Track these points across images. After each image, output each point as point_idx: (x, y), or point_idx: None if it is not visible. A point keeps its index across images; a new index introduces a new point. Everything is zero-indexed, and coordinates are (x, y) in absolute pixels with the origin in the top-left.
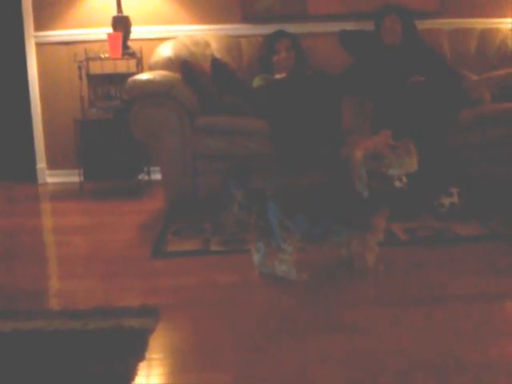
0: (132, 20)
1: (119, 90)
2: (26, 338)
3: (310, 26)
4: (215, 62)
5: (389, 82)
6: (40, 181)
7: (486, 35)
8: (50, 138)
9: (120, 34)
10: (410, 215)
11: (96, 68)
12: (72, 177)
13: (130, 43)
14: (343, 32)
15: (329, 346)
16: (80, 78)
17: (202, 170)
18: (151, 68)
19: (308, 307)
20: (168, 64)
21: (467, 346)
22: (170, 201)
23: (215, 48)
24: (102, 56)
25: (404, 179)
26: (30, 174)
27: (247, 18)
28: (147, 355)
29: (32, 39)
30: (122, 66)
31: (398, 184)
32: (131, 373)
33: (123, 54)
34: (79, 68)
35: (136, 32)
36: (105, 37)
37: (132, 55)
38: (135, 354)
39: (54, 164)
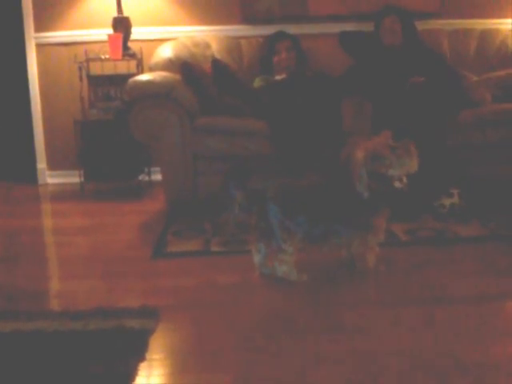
0: (132, 21)
1: (119, 90)
2: (26, 339)
3: (310, 26)
4: (215, 62)
5: (389, 82)
6: (40, 181)
7: (485, 36)
8: (50, 139)
9: (120, 35)
10: (411, 216)
11: (96, 69)
12: (72, 177)
13: (130, 44)
14: (343, 33)
15: (329, 347)
16: (80, 78)
17: (202, 171)
18: (151, 69)
19: (308, 308)
20: (168, 65)
21: (468, 347)
22: (171, 201)
23: (215, 49)
24: (103, 57)
25: (404, 180)
26: (31, 175)
27: (247, 19)
28: (148, 356)
29: (32, 40)
30: (123, 67)
31: (398, 185)
32: (132, 373)
33: (123, 55)
34: (79, 69)
35: (136, 33)
36: (105, 38)
37: (132, 56)
38: (136, 354)
39: (54, 165)
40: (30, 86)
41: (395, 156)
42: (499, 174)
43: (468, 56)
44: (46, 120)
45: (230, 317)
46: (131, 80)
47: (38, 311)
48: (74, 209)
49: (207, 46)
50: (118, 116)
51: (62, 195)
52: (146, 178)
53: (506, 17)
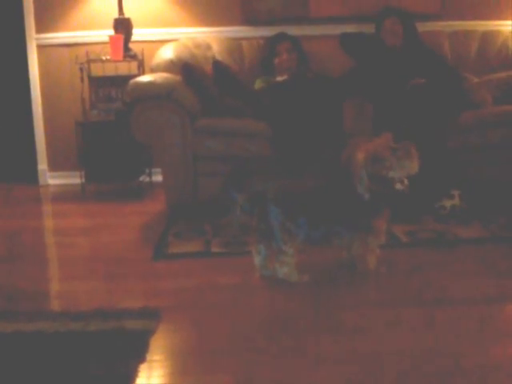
0: (133, 22)
1: (120, 92)
2: (27, 340)
3: (311, 28)
4: (216, 64)
5: (390, 84)
6: (41, 182)
7: (486, 37)
8: (51, 140)
9: (121, 36)
10: (411, 217)
11: (97, 70)
12: (73, 178)
13: (131, 45)
14: (344, 35)
15: (330, 348)
16: (81, 79)
17: (203, 172)
18: (153, 70)
19: (309, 309)
20: (169, 66)
21: (468, 348)
22: (171, 202)
23: (217, 50)
24: (104, 58)
25: (405, 181)
26: (32, 176)
27: (249, 20)
28: (148, 357)
29: (33, 41)
30: (124, 68)
31: (399, 186)
32: (132, 374)
33: (125, 56)
34: (81, 70)
35: (137, 34)
36: (106, 39)
37: (133, 57)
38: (136, 355)
39: (55, 166)
40: (31, 87)
41: (396, 158)
42: (500, 175)
43: (469, 58)
44: (47, 121)
45: (230, 318)
46: (132, 81)
47: (38, 312)
48: (75, 210)
49: (208, 47)
50: (118, 117)
51: (62, 196)
52: (147, 179)
53: (506, 18)
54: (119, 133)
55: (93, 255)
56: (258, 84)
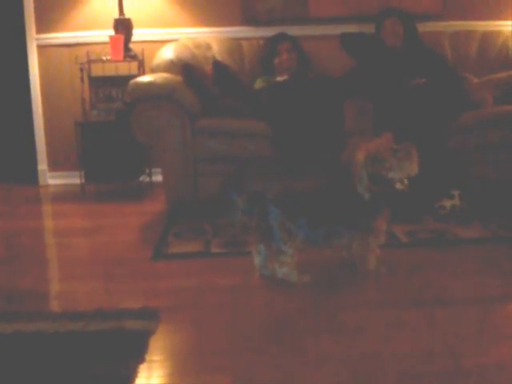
0: (134, 22)
1: (121, 92)
2: (27, 340)
3: (311, 28)
4: (216, 64)
5: (390, 84)
6: (41, 182)
7: (487, 38)
8: (51, 140)
9: (122, 37)
10: (412, 217)
11: (98, 70)
12: (73, 179)
13: (131, 45)
14: (344, 35)
15: (330, 348)
16: (82, 80)
17: (203, 172)
18: (153, 70)
19: (309, 309)
20: (170, 66)
21: (469, 348)
22: (171, 202)
23: (217, 50)
24: (104, 58)
25: (405, 181)
26: (31, 176)
27: (249, 20)
28: (147, 357)
29: (34, 41)
30: (124, 69)
31: (399, 186)
32: (131, 375)
33: (125, 57)
34: (81, 70)
35: (138, 34)
36: (106, 39)
37: (134, 57)
38: (136, 355)
39: (55, 166)
40: (32, 87)
41: (396, 159)
42: (500, 175)
43: (469, 58)
44: (47, 121)
45: (230, 318)
46: (132, 81)
47: (38, 312)
48: (75, 210)
49: (208, 47)
50: (119, 117)
51: (62, 196)
52: (147, 180)
53: (507, 19)
54: (119, 133)
55: (92, 255)
56: (258, 84)
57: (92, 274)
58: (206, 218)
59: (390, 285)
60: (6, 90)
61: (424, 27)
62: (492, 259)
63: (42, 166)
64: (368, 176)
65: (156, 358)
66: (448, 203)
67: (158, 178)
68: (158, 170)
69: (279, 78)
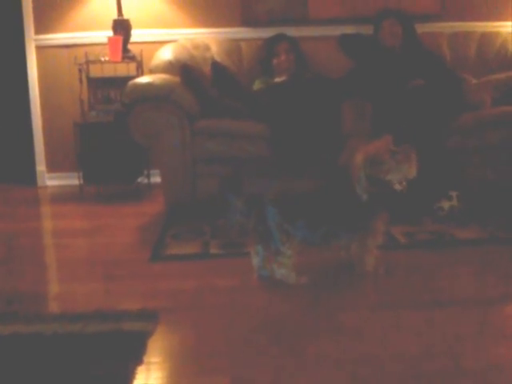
0: (132, 23)
1: (119, 93)
2: (25, 341)
3: (310, 29)
4: (215, 65)
5: (389, 85)
6: (40, 184)
7: (485, 38)
8: (49, 141)
9: (120, 38)
10: (410, 219)
11: (96, 71)
12: (72, 180)
13: (130, 46)
14: (343, 36)
15: (328, 349)
16: (80, 81)
17: (202, 173)
18: (151, 71)
19: (307, 311)
20: (168, 67)
21: (467, 350)
22: (170, 204)
23: (215, 51)
24: (103, 59)
25: (404, 182)
26: (30, 177)
27: (247, 21)
28: (146, 359)
29: (32, 42)
30: (122, 70)
31: (397, 187)
32: (130, 376)
33: (123, 58)
34: (79, 71)
35: (136, 35)
36: (105, 40)
37: (132, 58)
38: (134, 357)
39: (53, 167)
40: (30, 88)
41: (394, 161)
42: (499, 176)
43: (468, 59)
44: (46, 122)
45: (228, 319)
46: (131, 82)
47: (36, 314)
48: (73, 211)
49: (207, 48)
50: (117, 118)
51: (61, 197)
52: (145, 181)
53: (505, 20)
54: (118, 134)
55: (91, 257)
56: (257, 85)
57: (90, 275)
58: (205, 219)
59: (388, 286)
60: (4, 90)
61: (422, 28)
62: (490, 260)
63: (41, 167)
64: (366, 178)
65: (154, 359)
66: (446, 204)
67: (156, 179)
68: (157, 171)
69: (278, 79)
